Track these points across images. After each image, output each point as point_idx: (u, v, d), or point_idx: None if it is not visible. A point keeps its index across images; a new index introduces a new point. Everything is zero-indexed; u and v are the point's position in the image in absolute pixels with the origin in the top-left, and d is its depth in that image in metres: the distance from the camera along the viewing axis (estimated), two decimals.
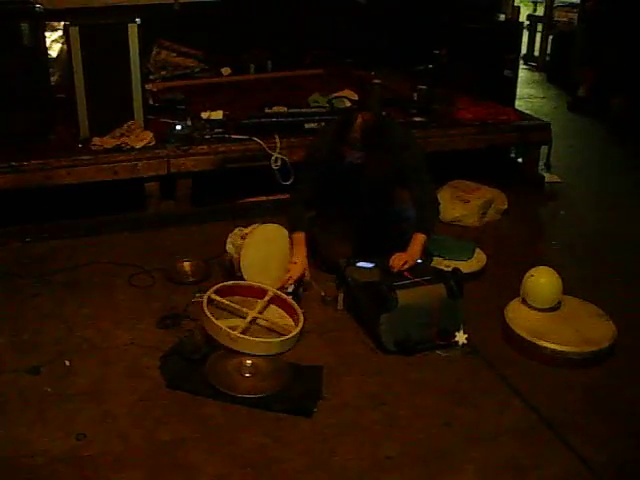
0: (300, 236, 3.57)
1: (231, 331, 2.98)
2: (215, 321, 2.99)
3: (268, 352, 3.01)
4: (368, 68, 5.88)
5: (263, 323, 3.23)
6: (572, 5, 8.54)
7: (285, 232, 3.62)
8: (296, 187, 3.80)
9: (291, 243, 3.58)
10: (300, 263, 3.49)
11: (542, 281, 3.28)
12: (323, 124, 4.48)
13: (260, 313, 3.26)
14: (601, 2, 7.10)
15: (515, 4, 6.80)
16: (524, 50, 8.62)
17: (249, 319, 3.18)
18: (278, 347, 3.05)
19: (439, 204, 3.69)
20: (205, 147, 4.35)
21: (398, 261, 3.36)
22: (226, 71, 6.03)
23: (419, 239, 3.48)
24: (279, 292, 3.36)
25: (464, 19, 5.81)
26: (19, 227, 4.07)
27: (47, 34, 4.90)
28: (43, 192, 4.09)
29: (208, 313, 3.02)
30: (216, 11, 5.91)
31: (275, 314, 3.32)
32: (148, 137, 4.28)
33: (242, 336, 3.00)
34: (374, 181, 3.58)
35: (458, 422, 2.69)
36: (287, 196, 4.07)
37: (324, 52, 6.31)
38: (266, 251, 3.57)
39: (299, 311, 3.24)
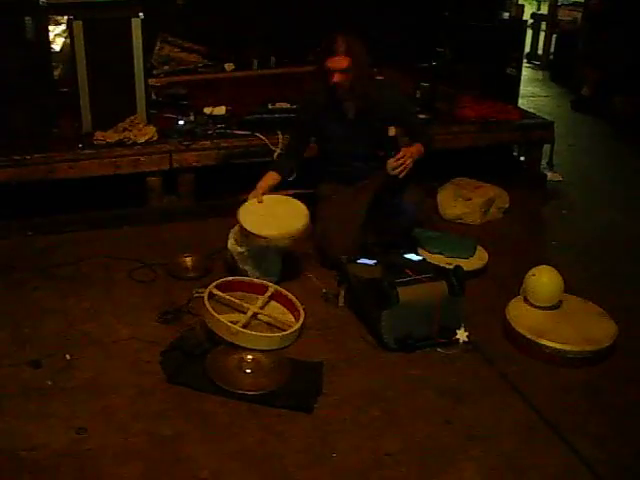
0: (273, 175, 3.76)
1: (232, 325, 2.98)
2: (216, 315, 3.00)
3: (268, 347, 3.01)
4: (370, 65, 5.86)
5: (264, 318, 3.24)
6: (576, 4, 8.54)
7: (289, 199, 3.70)
8: (289, 140, 4.03)
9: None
10: (255, 190, 3.66)
11: (543, 280, 3.28)
12: None
13: (261, 308, 3.26)
14: (605, 1, 7.09)
15: (519, 2, 6.80)
16: (528, 48, 8.62)
17: (250, 314, 3.18)
18: (278, 342, 3.05)
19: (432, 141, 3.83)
20: (208, 142, 4.35)
21: (401, 154, 3.51)
22: (229, 67, 6.02)
23: (418, 146, 3.62)
24: (280, 288, 3.36)
25: (468, 17, 5.80)
26: (21, 221, 4.07)
27: (50, 28, 4.88)
28: (45, 186, 4.09)
29: (209, 307, 3.02)
30: (219, 6, 5.90)
31: (276, 310, 3.32)
32: (151, 132, 4.28)
33: (243, 330, 3.00)
34: (362, 108, 3.69)
35: (458, 420, 2.69)
36: (289, 192, 4.10)
37: None
38: (268, 209, 3.59)
39: (300, 307, 3.24)
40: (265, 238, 3.39)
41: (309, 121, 3.82)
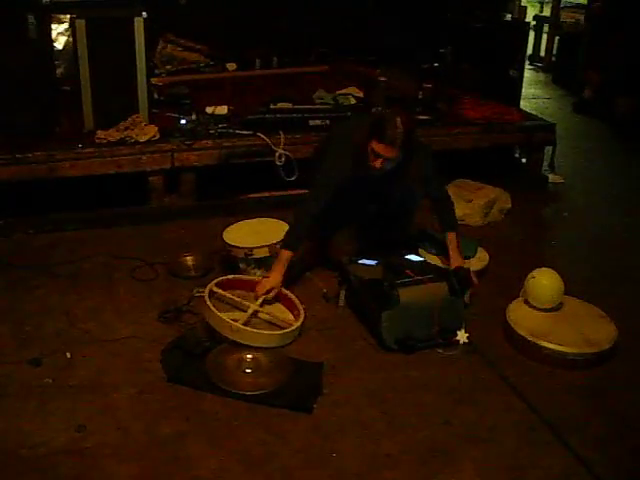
0: (287, 255, 3.31)
1: (233, 322, 2.98)
2: (217, 312, 3.00)
3: (269, 344, 3.01)
4: (373, 65, 5.87)
5: (264, 317, 3.24)
6: (579, 6, 8.54)
7: (275, 220, 3.70)
8: (308, 201, 3.43)
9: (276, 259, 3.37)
10: (273, 278, 3.29)
11: (544, 282, 3.28)
12: (327, 122, 4.51)
13: (261, 307, 3.26)
14: (608, 3, 7.09)
15: (521, 4, 6.79)
16: (530, 50, 8.63)
17: (250, 312, 3.18)
18: (279, 340, 3.05)
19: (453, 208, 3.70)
20: (209, 142, 4.35)
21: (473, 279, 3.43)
22: (231, 66, 6.03)
23: (454, 238, 3.55)
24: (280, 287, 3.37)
25: (470, 18, 5.81)
26: (22, 219, 4.08)
27: (53, 27, 4.91)
28: (47, 184, 4.09)
29: (210, 305, 3.03)
30: (222, 6, 5.91)
31: (276, 308, 3.32)
32: (152, 131, 4.28)
33: (243, 327, 3.00)
34: (399, 191, 3.56)
35: (458, 421, 2.69)
36: (290, 192, 4.10)
37: (330, 49, 6.31)
38: (251, 227, 3.68)
39: (300, 306, 3.24)
40: (243, 249, 3.48)
41: (336, 184, 3.39)
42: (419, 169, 3.44)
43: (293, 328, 3.10)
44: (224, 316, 3.01)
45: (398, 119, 3.20)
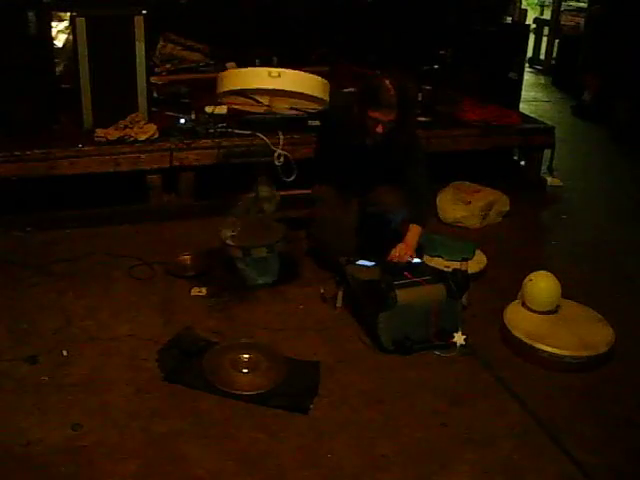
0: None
1: (271, 68, 2.86)
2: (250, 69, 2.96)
3: (313, 88, 3.00)
4: (373, 67, 5.87)
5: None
6: (579, 9, 8.55)
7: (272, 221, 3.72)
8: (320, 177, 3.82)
9: None
10: None
11: (541, 285, 3.28)
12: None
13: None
14: (608, 7, 7.10)
15: (522, 7, 6.80)
16: (530, 53, 8.63)
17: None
18: (322, 86, 3.02)
19: (432, 199, 3.72)
20: (208, 141, 4.35)
21: (397, 252, 3.40)
22: (231, 66, 6.01)
23: (415, 230, 3.50)
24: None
25: (471, 21, 5.81)
26: (20, 216, 4.07)
27: (53, 24, 4.90)
28: (45, 182, 4.09)
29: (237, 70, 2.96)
30: (222, 6, 5.91)
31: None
32: (152, 130, 4.28)
33: (285, 70, 2.88)
34: (391, 159, 3.58)
35: (454, 423, 2.69)
36: (288, 192, 4.09)
37: (330, 50, 6.31)
38: (249, 227, 3.67)
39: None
40: (240, 248, 3.47)
41: (335, 130, 3.65)
42: (407, 131, 3.54)
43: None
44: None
45: (387, 81, 3.31)
